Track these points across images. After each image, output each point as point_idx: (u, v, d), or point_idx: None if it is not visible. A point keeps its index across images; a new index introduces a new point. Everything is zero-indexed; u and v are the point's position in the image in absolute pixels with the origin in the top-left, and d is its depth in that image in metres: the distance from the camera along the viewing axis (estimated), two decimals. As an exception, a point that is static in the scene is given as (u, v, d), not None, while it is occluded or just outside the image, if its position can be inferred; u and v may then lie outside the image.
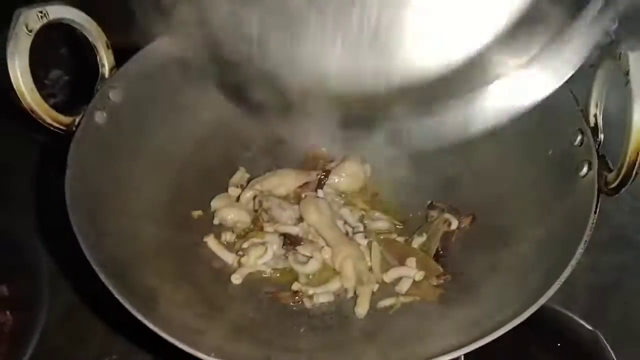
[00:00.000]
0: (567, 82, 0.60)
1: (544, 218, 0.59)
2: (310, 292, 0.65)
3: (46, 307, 0.97)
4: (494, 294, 0.57)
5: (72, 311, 1.10)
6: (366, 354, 0.56)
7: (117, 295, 0.47)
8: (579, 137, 0.58)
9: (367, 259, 0.67)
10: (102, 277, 0.48)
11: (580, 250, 0.49)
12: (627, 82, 0.47)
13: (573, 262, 0.48)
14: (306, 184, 0.74)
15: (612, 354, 0.92)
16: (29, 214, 1.18)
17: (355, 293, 0.64)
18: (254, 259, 0.66)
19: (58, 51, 1.37)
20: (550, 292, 0.46)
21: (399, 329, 0.59)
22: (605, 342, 0.93)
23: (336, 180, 0.74)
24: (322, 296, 0.65)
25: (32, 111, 0.57)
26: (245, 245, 0.67)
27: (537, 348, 1.02)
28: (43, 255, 1.03)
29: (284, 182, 0.74)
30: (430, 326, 0.57)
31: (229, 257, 0.68)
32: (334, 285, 0.66)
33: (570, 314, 0.98)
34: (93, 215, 0.56)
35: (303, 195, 0.72)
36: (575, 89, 0.60)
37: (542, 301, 0.46)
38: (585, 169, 0.56)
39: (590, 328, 0.95)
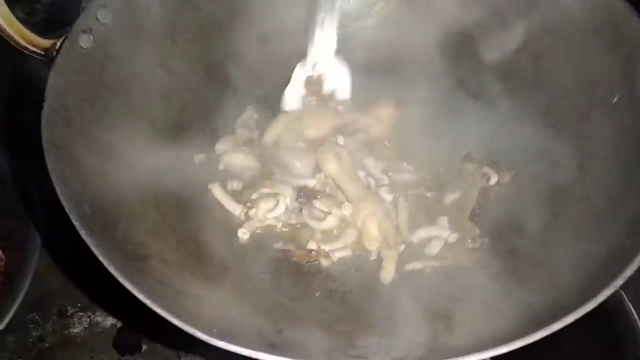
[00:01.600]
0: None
1: (605, 179, 0.50)
2: (327, 249, 0.57)
3: (39, 247, 0.93)
4: (544, 264, 0.48)
5: (67, 254, 1.05)
6: (392, 327, 0.49)
7: (100, 256, 0.39)
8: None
9: (393, 216, 0.59)
10: (82, 233, 0.40)
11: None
12: None
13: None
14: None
15: (635, 312, 0.87)
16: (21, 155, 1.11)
17: (378, 255, 0.57)
18: (263, 212, 0.58)
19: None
20: (627, 273, 0.38)
21: (429, 297, 0.52)
22: (628, 301, 0.88)
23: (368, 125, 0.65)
24: (338, 252, 0.58)
25: (2, 30, 0.47)
26: (254, 196, 0.60)
27: None
28: (36, 195, 0.97)
29: (317, 123, 0.64)
30: (465, 297, 0.50)
31: (235, 208, 0.60)
32: (350, 237, 0.58)
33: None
34: (76, 159, 0.48)
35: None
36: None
37: (616, 284, 0.37)
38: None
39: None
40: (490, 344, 0.36)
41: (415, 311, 0.49)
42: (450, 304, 0.49)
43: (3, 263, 0.98)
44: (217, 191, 0.61)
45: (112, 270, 0.39)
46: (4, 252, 0.98)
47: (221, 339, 0.36)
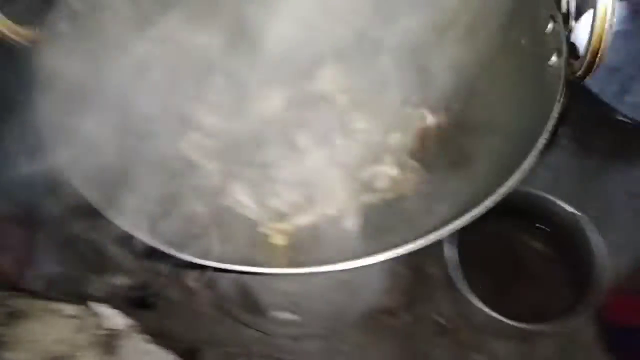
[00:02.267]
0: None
1: (514, 109, 0.60)
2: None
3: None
4: (467, 184, 0.58)
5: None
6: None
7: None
8: (551, 24, 0.57)
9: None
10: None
11: (543, 139, 0.50)
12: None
13: (535, 152, 0.49)
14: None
15: (597, 235, 0.97)
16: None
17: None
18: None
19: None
20: (516, 177, 0.50)
21: (383, 221, 0.63)
22: (590, 223, 0.98)
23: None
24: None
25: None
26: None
27: (521, 232, 1.08)
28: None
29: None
30: (410, 217, 0.60)
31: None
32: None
33: (554, 199, 1.02)
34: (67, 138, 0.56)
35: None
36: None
37: (505, 188, 0.50)
38: (554, 58, 0.55)
39: (573, 211, 0.99)
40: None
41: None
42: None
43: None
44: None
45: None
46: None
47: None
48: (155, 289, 1.02)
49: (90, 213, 0.50)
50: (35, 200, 0.74)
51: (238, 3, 0.74)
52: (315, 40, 0.73)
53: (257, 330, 0.88)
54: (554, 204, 1.02)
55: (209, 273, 0.79)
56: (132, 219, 0.50)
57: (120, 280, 0.93)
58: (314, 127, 0.70)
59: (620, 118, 1.01)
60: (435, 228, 0.49)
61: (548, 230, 1.05)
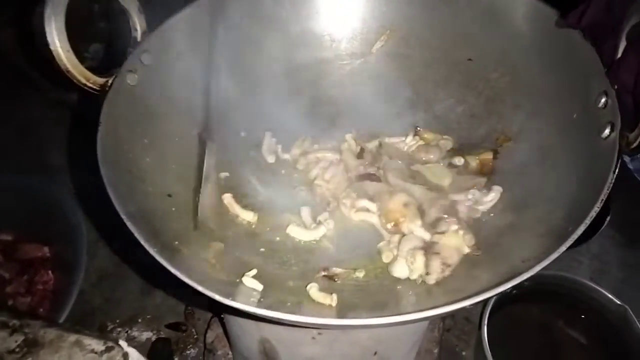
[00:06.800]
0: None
1: (565, 180, 0.59)
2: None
3: (84, 268, 1.04)
4: (511, 253, 0.57)
5: (107, 274, 1.17)
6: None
7: (143, 243, 0.50)
8: (604, 99, 0.57)
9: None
10: (129, 225, 0.50)
11: (595, 209, 0.49)
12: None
13: (587, 221, 0.48)
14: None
15: (639, 325, 0.93)
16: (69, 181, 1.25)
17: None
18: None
19: (97, 25, 1.42)
20: (562, 249, 0.47)
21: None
22: (634, 317, 0.94)
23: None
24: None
25: (68, 71, 0.59)
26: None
27: (559, 318, 1.07)
28: (83, 220, 1.09)
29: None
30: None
31: (245, 215, 0.69)
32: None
33: (600, 289, 0.99)
34: (123, 169, 0.58)
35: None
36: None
37: (553, 257, 0.46)
38: (607, 131, 0.55)
39: (618, 302, 0.96)
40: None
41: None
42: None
43: (52, 282, 1.10)
44: (229, 200, 0.69)
45: (152, 252, 0.49)
46: (53, 273, 1.11)
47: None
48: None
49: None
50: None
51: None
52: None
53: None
54: (600, 293, 0.99)
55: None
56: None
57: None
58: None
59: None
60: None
61: (589, 319, 1.02)
